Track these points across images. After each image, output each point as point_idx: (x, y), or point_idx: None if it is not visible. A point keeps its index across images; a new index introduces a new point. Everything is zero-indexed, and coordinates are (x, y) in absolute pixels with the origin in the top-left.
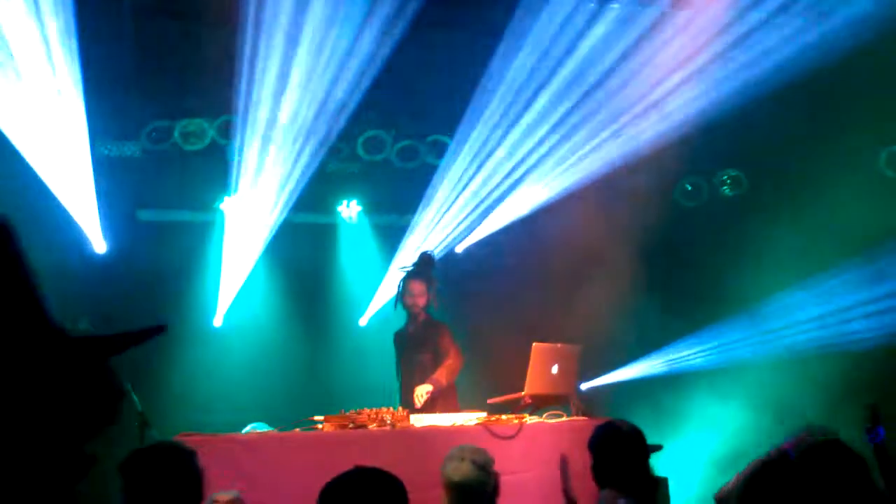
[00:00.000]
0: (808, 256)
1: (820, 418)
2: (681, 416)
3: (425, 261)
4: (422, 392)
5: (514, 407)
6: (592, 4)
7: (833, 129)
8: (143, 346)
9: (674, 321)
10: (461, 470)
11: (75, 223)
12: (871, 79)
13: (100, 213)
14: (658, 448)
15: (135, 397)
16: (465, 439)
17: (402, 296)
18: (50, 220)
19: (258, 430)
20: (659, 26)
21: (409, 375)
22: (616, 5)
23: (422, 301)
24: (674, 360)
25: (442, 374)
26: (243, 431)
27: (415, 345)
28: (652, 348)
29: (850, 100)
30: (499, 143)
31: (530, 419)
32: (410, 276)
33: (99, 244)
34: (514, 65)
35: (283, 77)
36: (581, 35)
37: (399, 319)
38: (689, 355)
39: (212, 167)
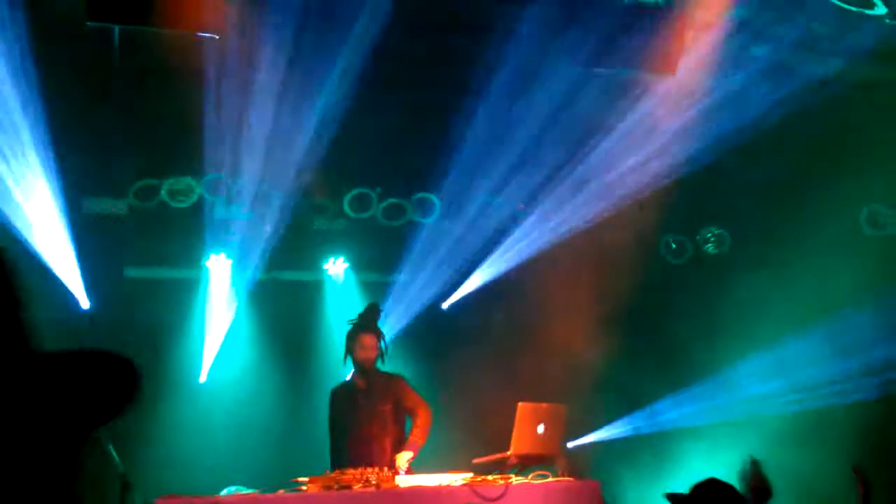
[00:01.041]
0: (790, 314)
1: (810, 475)
2: (667, 474)
3: (374, 312)
4: (404, 460)
5: (500, 467)
6: (577, 69)
7: (815, 187)
8: None
9: (660, 378)
10: None
11: (60, 281)
12: (853, 137)
13: (86, 270)
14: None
15: (117, 458)
16: (451, 500)
17: (352, 350)
18: (35, 278)
19: (240, 493)
20: (641, 88)
21: (366, 427)
22: (600, 69)
23: (373, 354)
24: (659, 418)
25: (420, 437)
26: (222, 493)
27: (372, 397)
28: (637, 406)
29: (831, 158)
30: (484, 201)
31: (516, 479)
32: (361, 330)
33: (83, 301)
34: (498, 124)
35: (269, 135)
36: (565, 97)
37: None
38: (674, 413)
39: (198, 225)
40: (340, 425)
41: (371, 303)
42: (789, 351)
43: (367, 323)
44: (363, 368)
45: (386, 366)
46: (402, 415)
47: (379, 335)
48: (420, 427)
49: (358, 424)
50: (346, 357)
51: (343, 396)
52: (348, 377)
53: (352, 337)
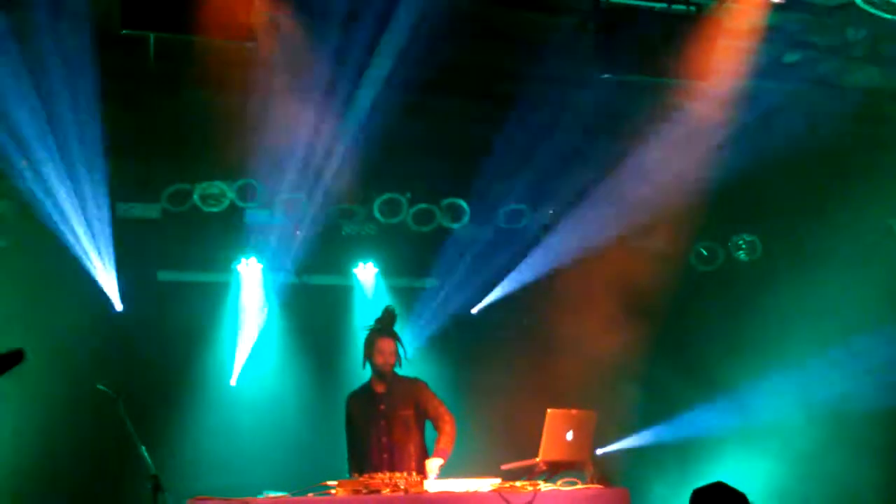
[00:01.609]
0: (822, 322)
1: (849, 477)
2: (695, 481)
3: (390, 316)
4: (435, 467)
5: (529, 473)
6: (609, 76)
7: (847, 195)
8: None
9: (690, 386)
10: None
11: (97, 283)
12: (886, 146)
13: (119, 273)
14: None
15: (149, 460)
16: None
17: (370, 355)
18: (70, 280)
19: (270, 496)
20: (674, 96)
21: (388, 432)
22: (633, 77)
23: (392, 360)
24: (690, 424)
25: (448, 444)
26: (255, 497)
27: (393, 402)
28: (669, 413)
29: (865, 166)
30: (514, 207)
31: (545, 486)
32: (378, 335)
33: (117, 304)
34: (530, 131)
35: (300, 140)
36: (597, 105)
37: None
38: (706, 420)
39: (230, 229)
40: (361, 431)
41: (387, 306)
42: (821, 360)
43: (384, 327)
44: (382, 373)
45: (405, 370)
46: (422, 419)
47: (396, 339)
48: (447, 434)
49: (380, 430)
50: (364, 362)
51: (362, 402)
52: (366, 382)
53: (370, 342)
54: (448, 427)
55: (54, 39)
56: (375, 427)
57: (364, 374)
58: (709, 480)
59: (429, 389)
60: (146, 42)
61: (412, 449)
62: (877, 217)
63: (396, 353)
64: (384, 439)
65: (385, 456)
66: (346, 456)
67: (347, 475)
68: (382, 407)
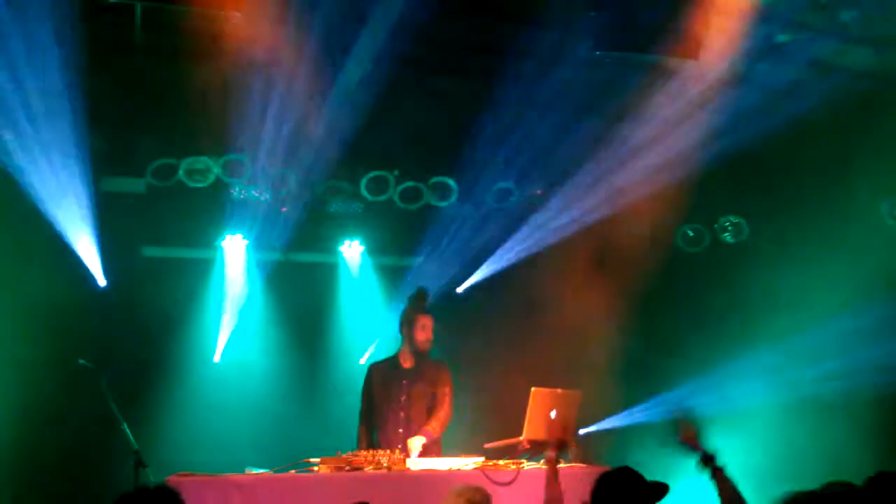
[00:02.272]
0: (807, 304)
1: (829, 458)
2: (680, 461)
3: (428, 295)
4: (418, 444)
5: (512, 452)
6: (599, 53)
7: (836, 176)
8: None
9: (675, 366)
10: None
11: (79, 258)
12: (875, 126)
13: (103, 248)
14: (663, 489)
15: (131, 436)
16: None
17: (410, 330)
18: (53, 255)
19: (254, 472)
20: (664, 74)
21: (407, 408)
22: (623, 54)
23: (432, 336)
24: (674, 405)
25: (435, 427)
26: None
27: (418, 379)
28: (653, 393)
29: (853, 147)
30: (501, 186)
31: (528, 465)
32: (421, 311)
33: (100, 279)
34: (518, 109)
35: (288, 116)
36: (586, 83)
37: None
38: (690, 400)
39: (215, 205)
40: (380, 402)
41: (420, 287)
42: (807, 340)
43: (426, 305)
44: (419, 350)
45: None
46: (436, 394)
47: (434, 318)
48: (439, 419)
49: (400, 405)
50: (401, 337)
51: (386, 374)
52: (392, 356)
53: (410, 318)
54: (442, 413)
55: (38, 7)
56: (396, 402)
57: (351, 352)
58: (690, 460)
59: (448, 374)
60: (132, 12)
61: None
62: (866, 199)
63: (433, 331)
64: (402, 414)
65: (401, 431)
66: (334, 431)
67: (333, 452)
68: (405, 382)
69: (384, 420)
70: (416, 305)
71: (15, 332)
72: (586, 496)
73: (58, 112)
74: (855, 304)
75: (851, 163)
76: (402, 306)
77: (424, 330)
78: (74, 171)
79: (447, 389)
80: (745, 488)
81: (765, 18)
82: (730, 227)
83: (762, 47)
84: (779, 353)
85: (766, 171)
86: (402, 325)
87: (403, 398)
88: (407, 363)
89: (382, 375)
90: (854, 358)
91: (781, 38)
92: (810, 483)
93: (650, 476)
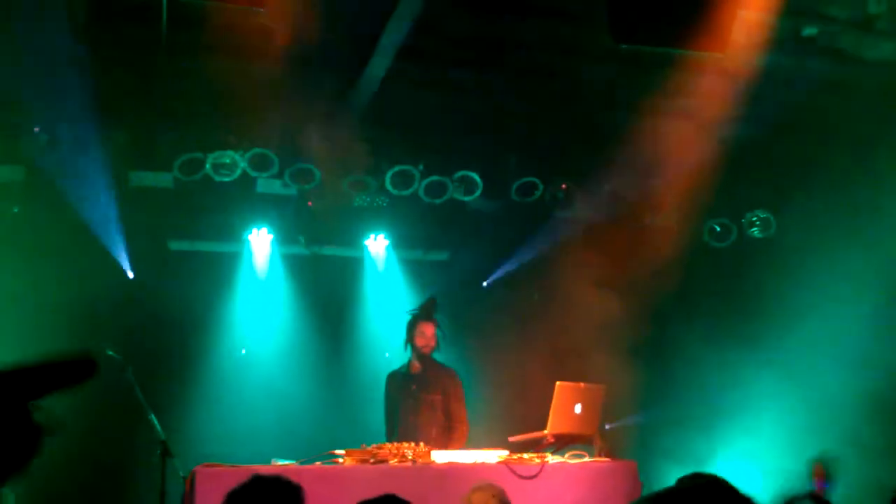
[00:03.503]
0: (834, 299)
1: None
2: (705, 455)
3: (433, 304)
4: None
5: (536, 446)
6: (624, 46)
7: (863, 172)
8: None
9: (701, 362)
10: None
11: (108, 251)
12: None
13: (131, 242)
14: None
15: (158, 426)
16: (487, 477)
17: (412, 337)
18: (82, 247)
19: (280, 463)
20: (689, 67)
21: (414, 415)
22: (647, 47)
23: (433, 343)
24: (699, 401)
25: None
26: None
27: (423, 385)
28: (679, 389)
29: (881, 141)
30: (526, 180)
31: (552, 459)
32: (423, 319)
33: (129, 273)
34: (542, 102)
35: (313, 110)
36: (610, 75)
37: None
38: (716, 396)
39: (242, 199)
40: (394, 411)
41: (430, 296)
42: (834, 334)
43: (427, 313)
44: (421, 355)
45: (441, 356)
46: (448, 404)
47: (437, 325)
48: (457, 441)
49: (408, 409)
50: (406, 345)
51: (398, 380)
52: (405, 363)
53: (412, 325)
54: (458, 434)
55: (64, 5)
56: (405, 406)
57: (375, 346)
58: (716, 458)
59: (458, 384)
60: (159, 8)
61: (434, 432)
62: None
63: (436, 338)
64: (411, 418)
65: (411, 437)
66: (360, 423)
67: (358, 444)
68: (413, 387)
69: (399, 427)
70: (419, 313)
71: (47, 324)
72: (611, 491)
73: (87, 107)
74: (883, 300)
75: (880, 156)
76: (410, 309)
77: (423, 336)
78: (103, 167)
79: (459, 405)
80: (767, 486)
81: (791, 11)
82: (757, 223)
83: (789, 40)
84: (806, 352)
85: (794, 166)
86: (407, 332)
87: (411, 403)
88: (414, 369)
89: (395, 382)
90: (883, 355)
91: (808, 30)
92: (842, 482)
93: (670, 470)
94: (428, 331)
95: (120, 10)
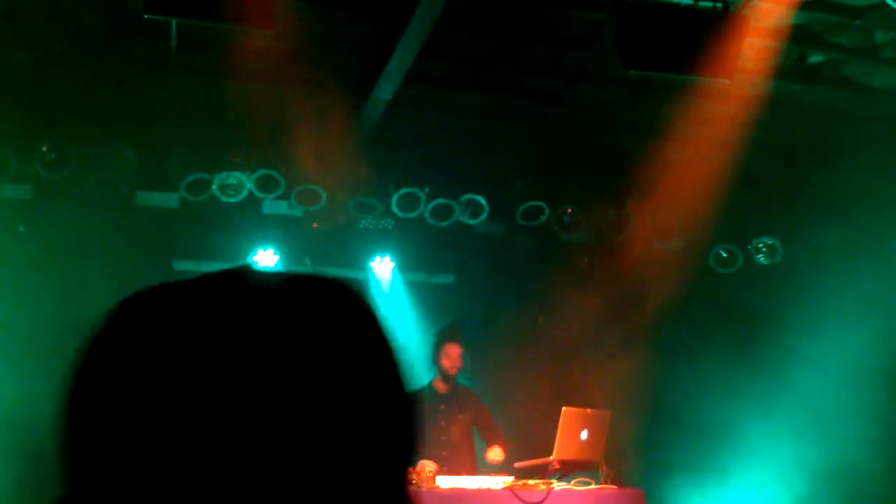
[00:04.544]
0: (842, 326)
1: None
2: (712, 483)
3: (457, 326)
4: (500, 456)
5: (542, 472)
6: (631, 72)
7: (870, 198)
8: None
9: (707, 387)
10: None
11: (113, 271)
12: None
13: (136, 261)
14: None
15: None
16: (492, 503)
17: (438, 358)
18: (87, 266)
19: None
20: (697, 93)
21: (448, 432)
22: (655, 73)
23: (459, 363)
24: (707, 427)
25: (504, 452)
26: None
27: (455, 405)
28: (685, 415)
29: (886, 167)
30: (532, 204)
31: (558, 485)
32: (449, 340)
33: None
34: (549, 125)
35: (319, 132)
36: (616, 99)
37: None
38: (722, 422)
39: (247, 220)
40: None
41: (452, 318)
42: (840, 365)
43: (452, 334)
44: (447, 376)
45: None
46: (480, 422)
47: (463, 346)
48: (504, 449)
49: (440, 429)
50: (432, 365)
51: (424, 400)
52: (428, 383)
53: (438, 346)
54: (504, 445)
55: (77, 21)
56: (436, 425)
57: None
58: (725, 482)
59: (488, 409)
60: (168, 29)
61: (467, 449)
62: None
63: (461, 358)
64: (443, 438)
65: (444, 454)
66: None
67: None
68: (443, 407)
69: (430, 444)
70: (445, 334)
71: (51, 344)
72: None
73: (95, 126)
74: (891, 328)
75: (886, 182)
76: (436, 331)
77: (449, 358)
78: (110, 186)
79: (490, 414)
80: None
81: (798, 38)
82: (764, 249)
83: (796, 67)
84: (813, 377)
85: (801, 193)
86: (432, 352)
87: (443, 423)
88: (442, 389)
89: (421, 403)
90: (890, 382)
91: (815, 58)
92: None
93: (676, 497)
94: (453, 352)
95: (129, 29)
